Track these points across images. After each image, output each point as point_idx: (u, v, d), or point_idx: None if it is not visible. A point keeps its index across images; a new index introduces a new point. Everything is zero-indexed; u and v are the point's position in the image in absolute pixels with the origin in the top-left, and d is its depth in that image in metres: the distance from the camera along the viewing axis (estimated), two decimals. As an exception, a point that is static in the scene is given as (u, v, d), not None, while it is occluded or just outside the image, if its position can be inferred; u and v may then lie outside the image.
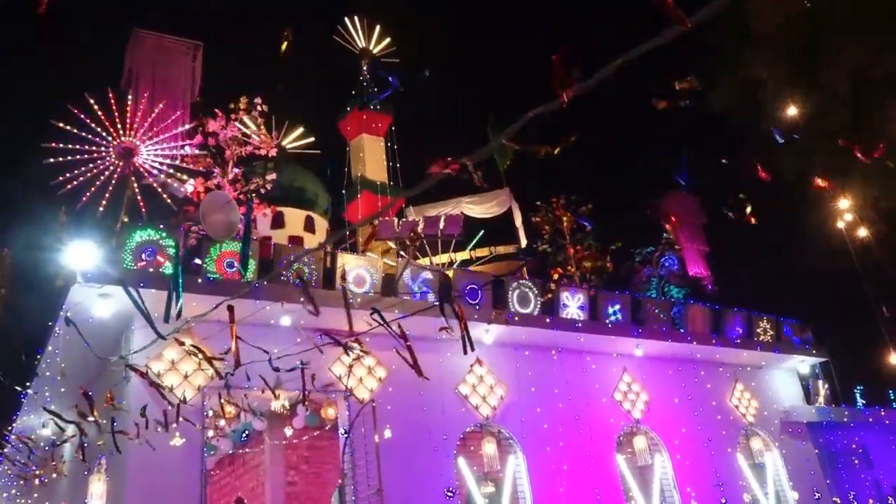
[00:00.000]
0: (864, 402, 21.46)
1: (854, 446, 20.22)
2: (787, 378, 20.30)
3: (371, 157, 23.14)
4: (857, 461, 20.05)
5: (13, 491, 19.69)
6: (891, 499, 19.85)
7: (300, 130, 19.21)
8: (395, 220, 18.68)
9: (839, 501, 18.85)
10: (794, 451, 18.88)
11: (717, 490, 16.66)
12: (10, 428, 15.39)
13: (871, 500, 19.51)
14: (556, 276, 18.76)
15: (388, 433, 12.78)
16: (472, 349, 7.21)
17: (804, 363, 20.24)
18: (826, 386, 20.54)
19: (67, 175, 13.03)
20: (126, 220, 12.49)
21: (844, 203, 11.08)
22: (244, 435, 15.26)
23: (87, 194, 12.79)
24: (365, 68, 24.96)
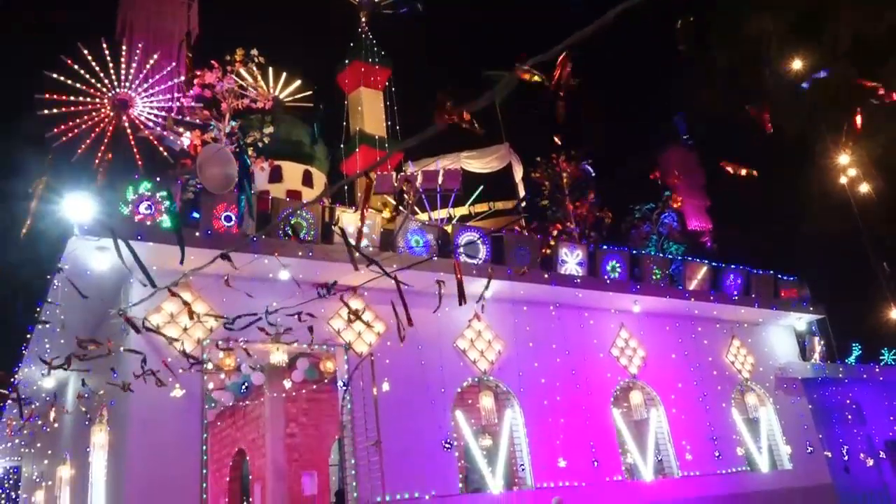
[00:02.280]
0: (858, 358, 21.66)
1: (848, 402, 20.46)
2: (784, 335, 20.43)
3: (369, 111, 22.88)
4: (850, 416, 20.31)
5: (17, 440, 19.99)
6: (882, 453, 20.17)
7: (297, 83, 18.95)
8: (394, 174, 18.57)
9: (831, 455, 19.15)
10: (788, 406, 19.11)
11: (711, 443, 16.91)
12: (12, 379, 15.54)
13: (862, 455, 19.83)
14: (555, 233, 18.72)
15: (386, 386, 12.90)
16: (465, 302, 7.21)
17: (801, 320, 20.35)
18: (822, 343, 20.70)
19: (63, 127, 12.88)
20: (109, 157, 12.33)
21: (846, 158, 10.97)
22: (243, 387, 15.42)
23: (83, 146, 12.65)
24: (364, 20, 24.53)
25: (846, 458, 19.44)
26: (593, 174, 19.85)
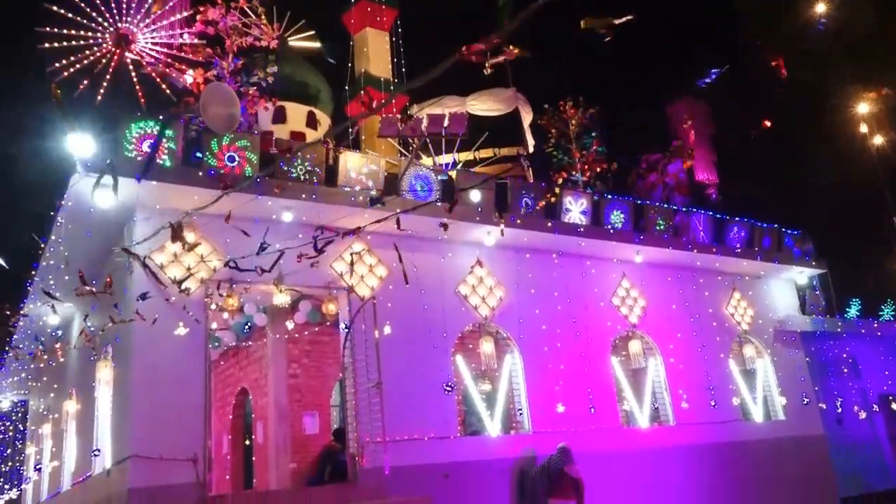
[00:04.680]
0: (857, 313, 21.78)
1: (845, 356, 20.66)
2: (785, 288, 20.49)
3: (375, 52, 22.45)
4: (846, 370, 20.53)
5: (23, 374, 20.30)
6: (875, 406, 20.47)
7: (302, 22, 18.60)
8: (399, 117, 18.33)
9: (825, 407, 19.43)
10: (785, 358, 19.30)
11: (707, 393, 17.13)
12: (17, 315, 15.69)
13: (855, 407, 20.12)
14: (560, 181, 18.58)
15: (387, 329, 13.00)
16: (407, 283, 7.05)
17: (802, 274, 20.38)
18: (822, 297, 20.78)
19: (63, 62, 12.67)
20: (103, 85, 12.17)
21: (865, 107, 10.72)
22: (246, 327, 15.56)
23: (85, 82, 12.47)
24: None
25: (840, 410, 19.73)
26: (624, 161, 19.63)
